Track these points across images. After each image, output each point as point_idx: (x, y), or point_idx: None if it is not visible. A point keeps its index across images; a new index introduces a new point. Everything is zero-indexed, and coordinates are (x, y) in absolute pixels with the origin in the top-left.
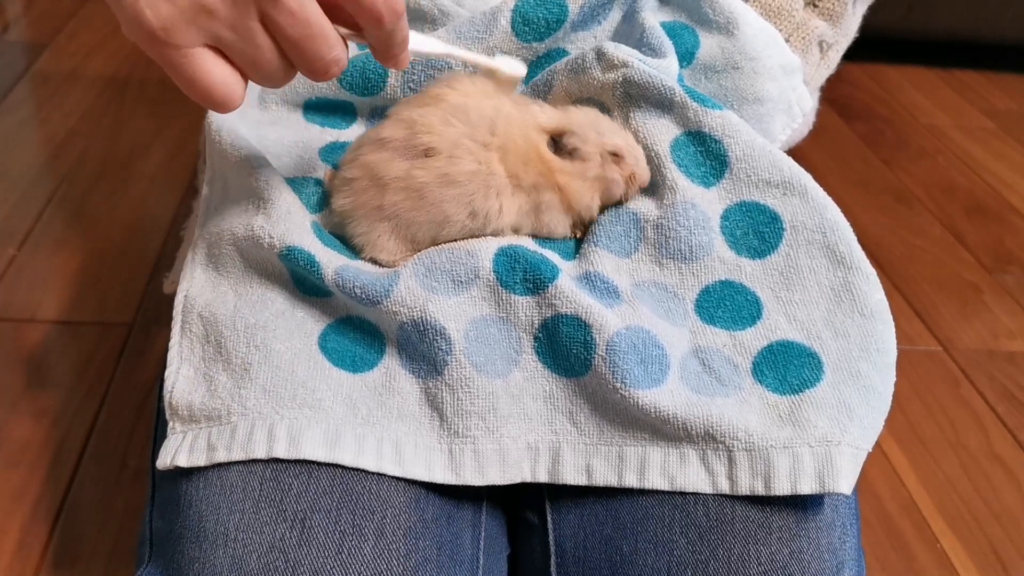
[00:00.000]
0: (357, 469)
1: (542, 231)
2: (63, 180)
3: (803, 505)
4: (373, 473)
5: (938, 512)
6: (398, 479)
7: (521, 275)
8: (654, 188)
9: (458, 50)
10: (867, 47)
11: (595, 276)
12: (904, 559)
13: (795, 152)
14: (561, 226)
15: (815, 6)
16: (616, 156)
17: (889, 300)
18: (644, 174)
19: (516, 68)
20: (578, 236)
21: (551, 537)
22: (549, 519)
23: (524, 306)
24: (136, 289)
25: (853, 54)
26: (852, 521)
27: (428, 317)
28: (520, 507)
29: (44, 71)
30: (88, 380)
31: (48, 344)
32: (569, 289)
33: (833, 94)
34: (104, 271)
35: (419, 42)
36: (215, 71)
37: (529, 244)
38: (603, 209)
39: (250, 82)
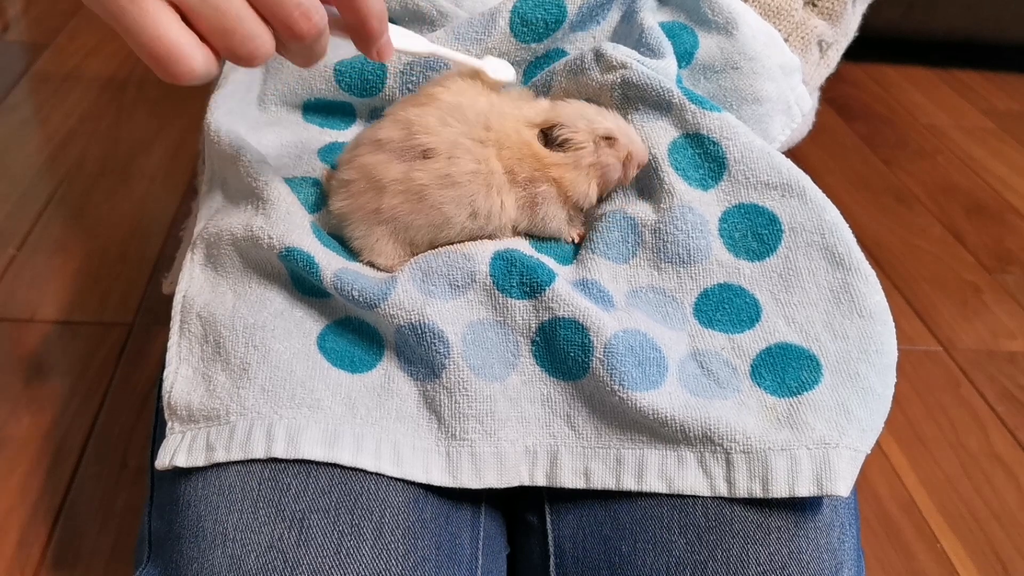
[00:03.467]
0: (356, 469)
1: (539, 225)
2: (63, 180)
3: (802, 505)
4: (372, 473)
5: (938, 512)
6: (396, 479)
7: (518, 279)
8: (651, 192)
9: (443, 49)
10: (867, 47)
11: (591, 284)
12: (904, 559)
13: (794, 152)
14: (557, 219)
15: (814, 5)
16: (609, 139)
17: (889, 300)
18: (641, 152)
19: (503, 71)
20: (576, 241)
21: (550, 537)
22: (548, 519)
23: (521, 310)
24: (136, 289)
25: (853, 54)
26: (851, 521)
27: (425, 320)
28: (519, 507)
29: (44, 71)
30: (88, 380)
31: (48, 344)
32: (566, 292)
33: (833, 94)
34: (104, 271)
35: (403, 39)
36: (171, 26)
37: (526, 248)
38: (602, 200)
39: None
